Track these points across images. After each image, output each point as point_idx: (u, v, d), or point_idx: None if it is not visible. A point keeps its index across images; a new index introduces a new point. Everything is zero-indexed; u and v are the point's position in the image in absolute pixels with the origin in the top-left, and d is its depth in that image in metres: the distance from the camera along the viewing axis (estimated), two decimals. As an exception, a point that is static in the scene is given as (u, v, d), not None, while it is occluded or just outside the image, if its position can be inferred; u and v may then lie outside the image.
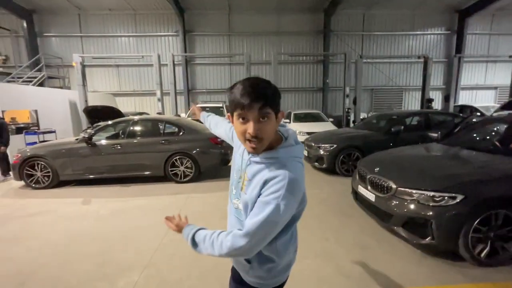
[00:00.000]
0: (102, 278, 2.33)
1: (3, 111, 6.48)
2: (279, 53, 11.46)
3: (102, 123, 6.14)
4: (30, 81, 11.24)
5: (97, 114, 8.45)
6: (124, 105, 13.51)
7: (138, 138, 5.25)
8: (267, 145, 0.87)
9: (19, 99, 8.15)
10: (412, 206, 2.52)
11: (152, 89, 13.05)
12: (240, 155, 1.00)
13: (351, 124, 10.40)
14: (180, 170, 5.20)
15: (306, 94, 14.55)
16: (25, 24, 12.64)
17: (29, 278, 2.35)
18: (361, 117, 10.70)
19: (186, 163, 5.17)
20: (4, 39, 13.22)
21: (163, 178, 5.23)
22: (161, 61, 9.82)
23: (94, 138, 5.13)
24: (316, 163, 5.71)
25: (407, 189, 2.61)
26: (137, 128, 5.41)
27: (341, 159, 5.42)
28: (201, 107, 9.22)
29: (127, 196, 4.56)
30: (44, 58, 12.44)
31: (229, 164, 6.02)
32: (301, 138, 8.39)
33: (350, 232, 3.10)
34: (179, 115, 9.85)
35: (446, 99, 12.41)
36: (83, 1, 12.44)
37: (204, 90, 14.12)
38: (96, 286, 2.23)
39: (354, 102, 10.35)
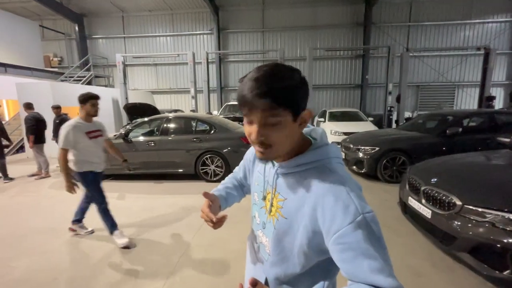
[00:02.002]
0: (129, 282, 2.26)
1: (58, 107, 7.01)
2: (315, 48, 10.91)
3: (139, 120, 6.33)
4: (80, 80, 12.23)
5: (136, 110, 8.83)
6: (160, 102, 14.07)
7: (171, 135, 5.28)
8: (290, 151, 0.67)
9: (71, 97, 8.84)
10: (484, 230, 2.04)
11: (186, 87, 13.38)
12: (262, 171, 0.78)
13: (393, 125, 9.51)
14: (210, 169, 5.12)
15: (342, 91, 13.74)
16: (76, 28, 13.77)
17: (62, 274, 2.37)
18: (405, 117, 9.74)
19: (216, 162, 5.07)
20: (59, 42, 14.57)
21: (193, 176, 5.20)
22: (196, 59, 9.95)
23: (131, 134, 5.27)
24: (354, 167, 5.23)
25: (477, 208, 2.13)
26: (171, 125, 5.44)
27: (384, 164, 4.88)
28: (233, 104, 9.09)
29: (158, 193, 4.59)
30: (92, 59, 13.44)
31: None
32: (337, 138, 7.87)
33: (398, 251, 2.68)
34: (211, 113, 9.92)
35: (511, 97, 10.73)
36: (126, 3, 13.14)
37: (236, 88, 14.08)
38: (122, 291, 2.16)
39: (398, 100, 9.43)
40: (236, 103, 9.18)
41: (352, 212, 0.57)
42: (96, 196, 2.81)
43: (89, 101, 2.64)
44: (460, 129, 4.71)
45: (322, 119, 9.30)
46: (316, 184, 0.63)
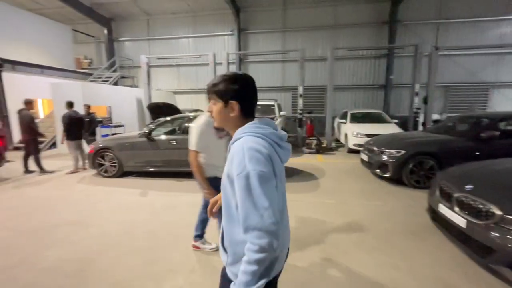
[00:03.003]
0: (149, 277, 2.31)
1: (89, 106, 7.42)
2: (337, 48, 10.61)
3: (162, 119, 6.51)
4: (107, 81, 12.83)
5: (158, 110, 9.10)
6: (181, 102, 14.41)
7: (192, 134, 5.35)
8: (230, 127, 1.05)
9: (99, 96, 9.32)
10: (528, 243, 1.86)
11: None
12: None
13: (420, 127, 9.04)
14: (229, 169, 5.13)
15: (364, 92, 13.30)
16: (105, 31, 14.47)
17: (88, 266, 2.48)
18: (433, 119, 9.23)
19: (235, 162, 5.08)
20: (89, 44, 15.39)
21: (213, 175, 5.25)
22: (216, 60, 10.07)
23: (154, 133, 5.43)
24: (378, 170, 5.02)
25: (520, 219, 1.95)
26: (192, 124, 5.52)
27: (411, 168, 4.64)
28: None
29: (179, 191, 4.68)
30: (118, 60, 14.05)
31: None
32: (359, 140, 7.63)
33: (427, 261, 2.52)
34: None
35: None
36: (151, 7, 13.61)
37: (256, 88, 14.10)
38: (143, 285, 2.21)
39: (425, 101, 8.95)
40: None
41: (241, 167, 0.86)
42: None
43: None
44: (497, 133, 4.38)
45: (344, 121, 9.05)
46: (233, 146, 0.95)
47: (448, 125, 5.60)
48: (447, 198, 2.65)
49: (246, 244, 0.86)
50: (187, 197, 4.34)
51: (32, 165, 5.91)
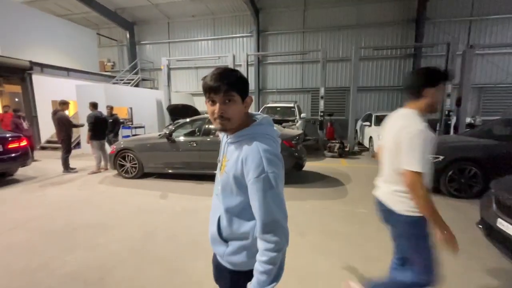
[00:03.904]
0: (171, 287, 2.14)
1: (112, 107, 7.53)
2: (362, 47, 10.17)
3: (181, 120, 6.46)
4: (129, 83, 13.12)
5: (178, 112, 9.12)
6: (200, 104, 14.46)
7: (211, 136, 5.22)
8: (238, 127, 0.97)
9: (120, 98, 9.48)
10: None
11: (225, 89, 13.54)
12: (222, 145, 1.10)
13: (451, 131, 8.42)
14: (251, 172, 4.93)
15: (389, 93, 12.70)
16: (128, 35, 14.86)
17: (108, 274, 2.35)
18: (466, 122, 8.57)
19: (257, 165, 4.87)
20: (112, 48, 15.89)
21: (233, 178, 5.08)
22: (235, 62, 9.97)
23: (174, 134, 5.35)
24: (412, 177, 4.61)
25: None
26: (211, 126, 5.37)
27: (450, 175, 4.21)
28: (271, 107, 8.84)
29: (200, 194, 4.54)
30: (139, 63, 14.36)
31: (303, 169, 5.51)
32: (385, 144, 7.20)
33: (483, 283, 2.17)
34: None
35: None
36: (171, 10, 13.83)
37: (274, 90, 13.90)
38: (166, 298, 2.04)
39: (458, 104, 8.34)
40: (275, 105, 8.91)
41: (259, 170, 0.87)
42: (424, 264, 1.49)
43: (440, 82, 1.46)
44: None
45: (368, 123, 8.62)
46: (245, 148, 0.92)
47: (490, 129, 5.09)
48: (509, 212, 2.29)
49: (256, 242, 0.93)
50: (208, 202, 4.18)
51: (71, 162, 6.22)
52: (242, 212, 0.98)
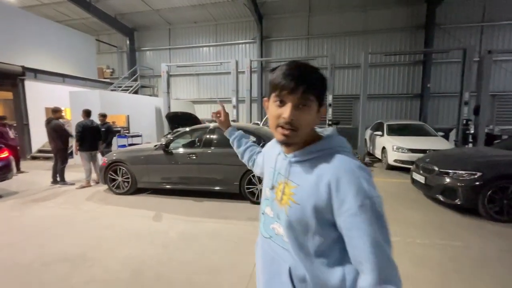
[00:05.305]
0: None
1: (104, 115, 6.99)
2: (371, 53, 9.63)
3: (180, 129, 5.93)
4: (127, 90, 12.67)
5: (177, 119, 8.62)
6: (201, 111, 14.00)
7: (213, 148, 4.67)
8: (302, 141, 0.76)
9: (117, 105, 9.00)
10: None
11: (227, 97, 13.11)
12: (273, 166, 0.86)
13: (469, 141, 7.87)
14: (257, 189, 4.37)
15: (398, 101, 12.19)
16: (127, 41, 14.53)
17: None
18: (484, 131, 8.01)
19: (264, 181, 4.31)
20: (112, 54, 15.55)
21: (238, 195, 4.51)
22: (238, 68, 9.54)
23: (171, 145, 4.81)
24: (441, 196, 4.04)
25: None
26: (213, 136, 4.81)
27: (489, 195, 3.63)
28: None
29: (199, 215, 3.94)
30: (139, 70, 13.97)
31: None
32: (401, 156, 6.66)
33: None
34: (258, 123, 9.29)
35: None
36: (173, 16, 13.53)
37: (278, 98, 13.46)
38: None
39: (476, 112, 7.82)
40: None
41: (362, 195, 0.65)
42: None
43: None
44: None
45: (380, 133, 8.07)
46: (330, 168, 0.70)
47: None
48: None
49: None
50: (208, 224, 3.60)
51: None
52: (322, 257, 0.75)
